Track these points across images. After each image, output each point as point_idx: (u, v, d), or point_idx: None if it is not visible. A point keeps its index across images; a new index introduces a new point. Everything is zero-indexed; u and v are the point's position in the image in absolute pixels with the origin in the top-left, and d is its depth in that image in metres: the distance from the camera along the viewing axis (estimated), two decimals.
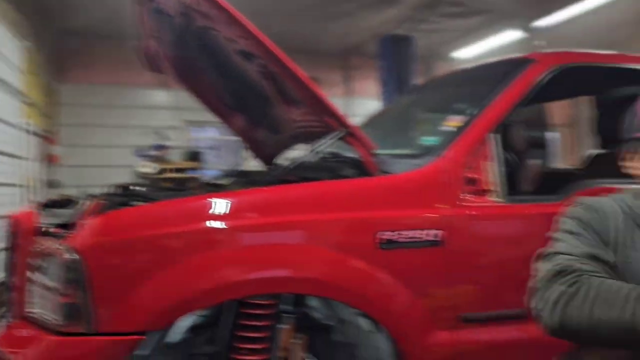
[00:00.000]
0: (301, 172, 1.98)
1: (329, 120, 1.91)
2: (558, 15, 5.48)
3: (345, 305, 1.72)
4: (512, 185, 2.44)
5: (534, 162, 2.58)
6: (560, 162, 7.66)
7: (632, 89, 2.70)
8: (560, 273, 1.03)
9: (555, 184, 2.23)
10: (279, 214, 1.71)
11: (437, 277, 1.78)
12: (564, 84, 2.87)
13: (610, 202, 1.21)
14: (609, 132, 2.52)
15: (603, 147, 2.76)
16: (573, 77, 2.53)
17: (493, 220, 1.87)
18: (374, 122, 2.86)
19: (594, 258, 1.08)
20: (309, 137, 2.29)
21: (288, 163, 2.11)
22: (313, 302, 1.71)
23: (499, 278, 1.85)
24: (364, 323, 1.77)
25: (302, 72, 1.79)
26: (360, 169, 1.93)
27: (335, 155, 2.16)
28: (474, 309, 1.82)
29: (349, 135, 1.89)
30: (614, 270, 1.09)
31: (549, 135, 3.65)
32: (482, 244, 1.84)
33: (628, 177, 1.27)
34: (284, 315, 1.68)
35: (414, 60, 4.50)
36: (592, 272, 1.03)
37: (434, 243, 1.76)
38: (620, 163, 1.27)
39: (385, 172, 1.90)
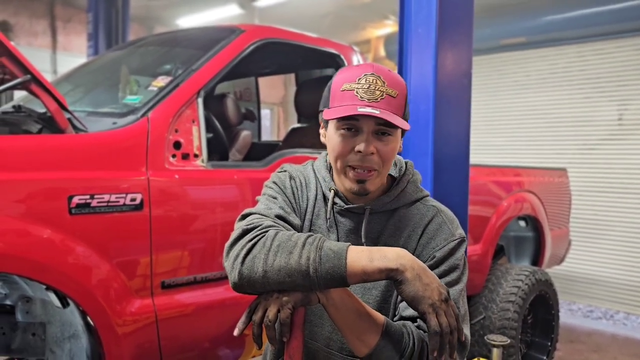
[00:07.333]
0: None
1: (8, 64, 1.60)
2: None
3: (30, 280, 1.51)
4: (223, 151, 2.52)
5: (246, 133, 2.72)
6: (271, 135, 8.33)
7: (327, 71, 3.06)
8: (247, 231, 1.06)
9: (262, 153, 2.37)
10: None
11: (138, 243, 1.69)
12: (270, 59, 3.08)
13: (312, 173, 1.28)
14: (304, 108, 2.81)
15: (300, 121, 3.06)
16: (278, 52, 2.72)
17: (196, 184, 1.86)
18: (74, 76, 2.55)
19: (281, 218, 1.15)
20: None
21: None
22: None
23: (203, 242, 1.86)
24: (53, 298, 1.59)
25: None
26: (50, 125, 1.69)
27: (19, 109, 1.84)
28: (176, 274, 1.79)
29: (35, 85, 1.62)
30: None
31: (262, 111, 3.91)
32: (186, 208, 1.81)
33: (318, 147, 1.33)
34: None
35: (128, 16, 4.20)
36: (275, 227, 1.08)
37: (133, 208, 1.66)
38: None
39: (80, 130, 1.70)
